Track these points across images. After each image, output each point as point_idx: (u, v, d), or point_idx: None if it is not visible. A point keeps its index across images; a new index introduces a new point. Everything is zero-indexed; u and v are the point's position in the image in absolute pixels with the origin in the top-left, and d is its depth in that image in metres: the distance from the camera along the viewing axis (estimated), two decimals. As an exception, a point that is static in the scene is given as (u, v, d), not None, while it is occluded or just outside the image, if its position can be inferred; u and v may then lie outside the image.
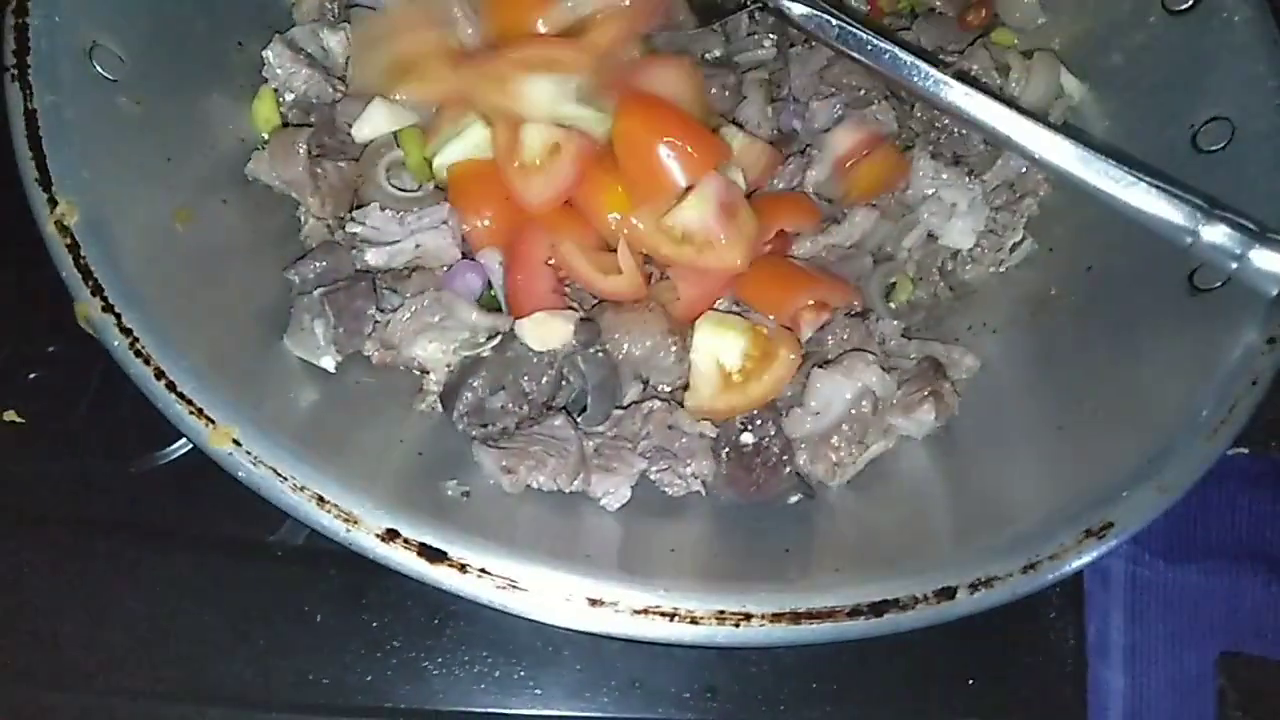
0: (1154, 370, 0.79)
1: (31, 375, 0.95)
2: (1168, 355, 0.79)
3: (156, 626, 0.88)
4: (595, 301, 0.83)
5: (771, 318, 0.81)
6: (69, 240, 0.67)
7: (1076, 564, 0.67)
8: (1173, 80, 0.91)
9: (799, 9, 0.82)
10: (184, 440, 0.89)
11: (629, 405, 0.78)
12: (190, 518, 0.92)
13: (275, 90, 0.86)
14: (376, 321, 0.77)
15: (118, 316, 0.65)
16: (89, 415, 0.94)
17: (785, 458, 0.74)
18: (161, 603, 0.90)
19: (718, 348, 0.78)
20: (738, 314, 0.81)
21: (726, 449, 0.75)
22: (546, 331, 0.75)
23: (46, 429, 0.94)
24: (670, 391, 0.81)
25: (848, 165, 0.85)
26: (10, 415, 0.94)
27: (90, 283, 0.66)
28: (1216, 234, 0.73)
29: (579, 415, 0.76)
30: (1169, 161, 0.87)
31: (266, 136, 0.86)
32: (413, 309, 0.75)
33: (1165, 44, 0.92)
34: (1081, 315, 0.88)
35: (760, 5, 0.85)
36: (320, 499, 0.62)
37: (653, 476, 0.76)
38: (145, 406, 0.66)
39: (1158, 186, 0.75)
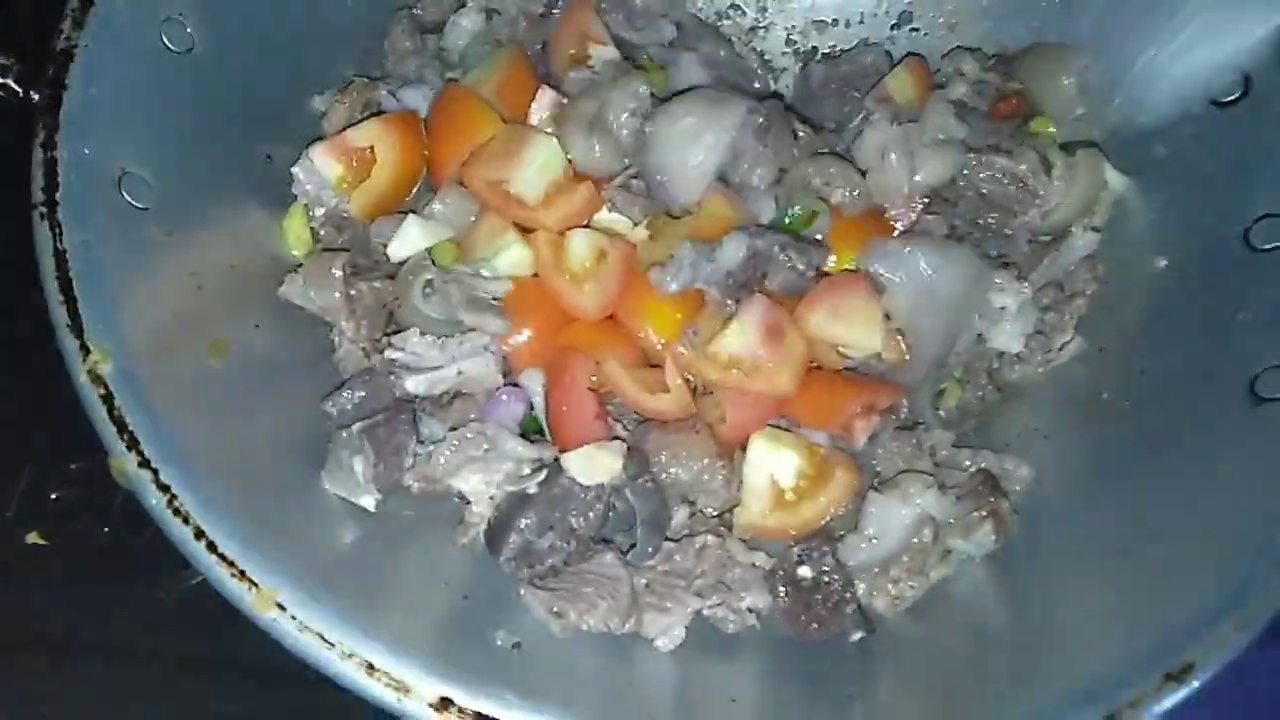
0: (1220, 487, 0.76)
1: (54, 496, 0.93)
2: (1233, 471, 0.76)
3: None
4: (638, 419, 0.81)
5: (824, 434, 0.78)
6: (103, 391, 0.64)
7: (1156, 710, 0.64)
8: (1221, 175, 0.88)
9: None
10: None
11: (680, 538, 0.75)
12: (217, 642, 0.89)
13: (305, 206, 0.84)
14: (417, 455, 0.74)
15: (154, 472, 0.62)
16: (113, 535, 0.92)
17: (848, 595, 0.71)
18: (190, 731, 0.87)
19: (773, 465, 0.76)
20: (788, 431, 0.79)
21: (784, 584, 0.73)
22: (595, 465, 0.72)
23: (70, 551, 0.91)
24: (717, 515, 0.78)
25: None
26: (33, 537, 0.91)
27: (125, 436, 0.63)
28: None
29: (628, 550, 0.73)
30: (1220, 259, 0.85)
31: (298, 254, 0.84)
32: (455, 443, 0.73)
33: (1212, 137, 0.89)
34: (1137, 422, 0.85)
35: None
36: (370, 666, 0.59)
37: (706, 612, 0.73)
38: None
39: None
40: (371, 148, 0.82)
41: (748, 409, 0.78)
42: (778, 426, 0.79)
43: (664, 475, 0.76)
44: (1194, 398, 0.82)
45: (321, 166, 0.82)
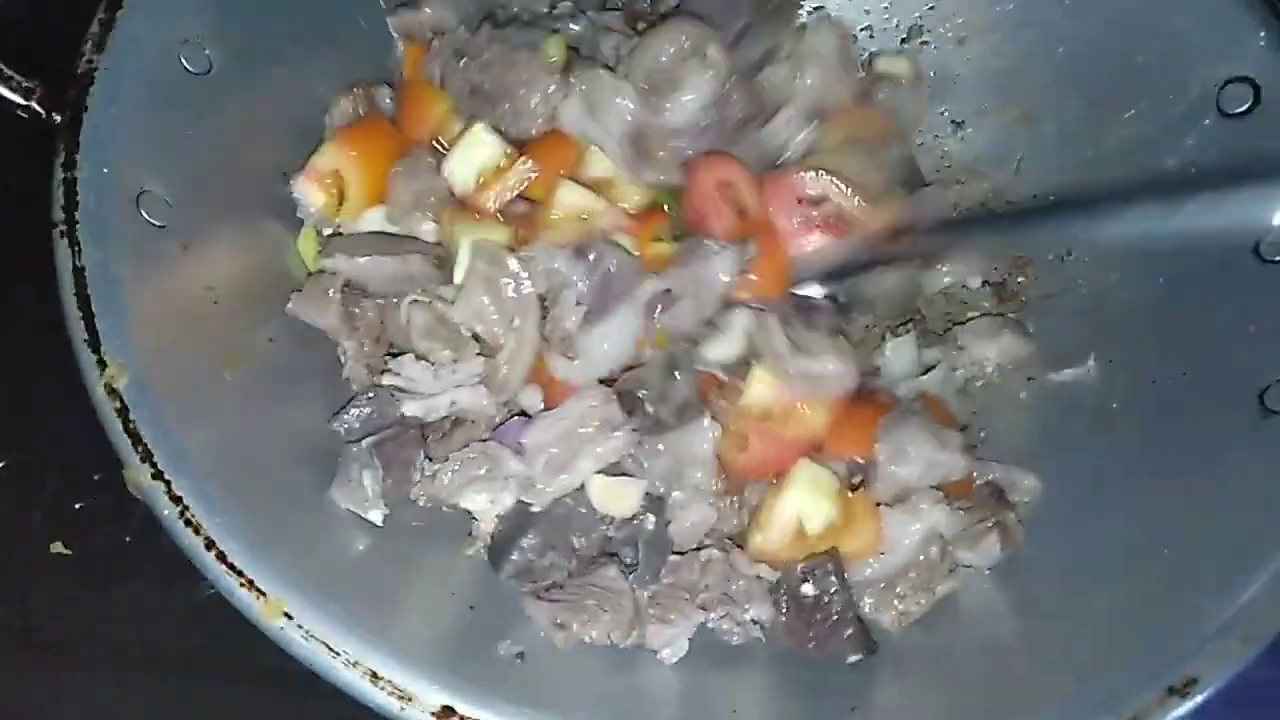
0: (1227, 500, 0.75)
1: (78, 505, 0.95)
2: (1241, 484, 0.76)
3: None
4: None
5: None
6: (118, 404, 0.66)
7: (1158, 725, 0.64)
8: (1232, 186, 0.88)
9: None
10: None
11: (686, 552, 0.75)
12: (243, 648, 0.89)
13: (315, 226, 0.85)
14: (424, 470, 0.75)
15: (167, 484, 0.64)
16: (136, 544, 0.94)
17: (848, 616, 0.71)
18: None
19: (807, 508, 0.75)
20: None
21: (786, 598, 0.73)
22: (616, 497, 0.73)
23: (93, 560, 0.93)
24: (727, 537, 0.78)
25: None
26: (57, 546, 0.93)
27: (140, 448, 0.65)
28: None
29: (630, 564, 0.74)
30: (1230, 271, 0.85)
31: (309, 272, 0.85)
32: (458, 464, 0.74)
33: (1222, 148, 0.89)
34: (1146, 434, 0.84)
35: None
36: (374, 675, 0.61)
37: (710, 625, 0.74)
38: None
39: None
40: (337, 170, 0.83)
41: (774, 447, 0.77)
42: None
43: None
44: (1203, 410, 0.82)
45: (305, 196, 0.83)
